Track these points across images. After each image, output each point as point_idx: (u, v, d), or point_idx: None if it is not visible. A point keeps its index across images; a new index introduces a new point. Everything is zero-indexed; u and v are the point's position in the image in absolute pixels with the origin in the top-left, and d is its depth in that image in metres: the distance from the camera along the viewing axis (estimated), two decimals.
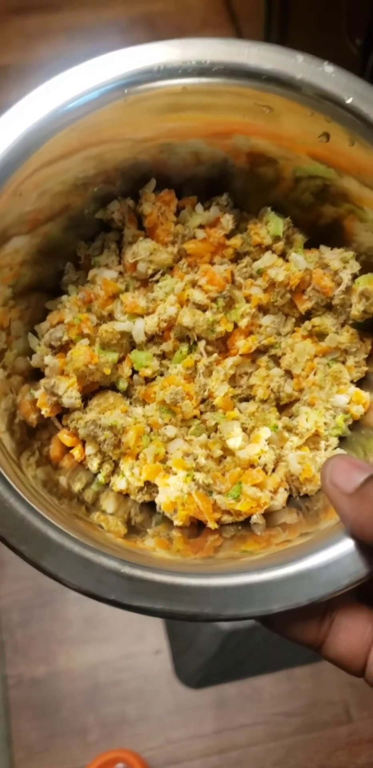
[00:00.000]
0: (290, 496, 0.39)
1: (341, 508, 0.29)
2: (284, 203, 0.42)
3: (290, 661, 0.96)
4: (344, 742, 0.95)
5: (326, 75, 0.35)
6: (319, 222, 0.42)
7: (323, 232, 0.42)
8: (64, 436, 0.39)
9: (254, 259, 0.41)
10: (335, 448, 0.39)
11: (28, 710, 0.97)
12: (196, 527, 0.37)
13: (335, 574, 0.29)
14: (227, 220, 0.40)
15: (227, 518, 0.37)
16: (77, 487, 0.38)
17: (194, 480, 0.36)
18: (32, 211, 0.37)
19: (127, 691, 0.98)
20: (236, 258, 0.42)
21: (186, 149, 0.40)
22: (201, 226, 0.41)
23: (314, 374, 0.40)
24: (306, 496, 0.38)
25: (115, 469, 0.39)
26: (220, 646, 0.93)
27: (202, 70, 0.36)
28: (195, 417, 0.39)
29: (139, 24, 1.60)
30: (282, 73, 0.35)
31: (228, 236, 0.41)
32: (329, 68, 0.36)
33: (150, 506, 0.39)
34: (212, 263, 0.41)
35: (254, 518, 0.37)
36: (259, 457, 0.37)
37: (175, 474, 0.37)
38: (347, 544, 0.29)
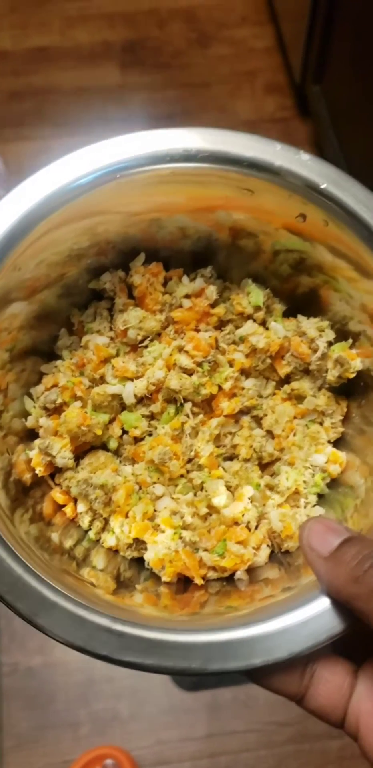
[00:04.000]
0: (272, 552, 0.40)
1: (317, 571, 0.30)
2: (263, 274, 0.45)
3: None
4: (335, 756, 0.94)
5: (302, 162, 0.39)
6: (297, 291, 0.44)
7: (300, 301, 0.44)
8: (57, 494, 0.41)
9: (237, 327, 0.44)
10: (314, 506, 0.41)
11: (21, 699, 0.96)
12: (183, 583, 0.39)
13: (314, 630, 0.30)
14: (211, 291, 0.43)
15: (212, 574, 0.38)
16: (69, 543, 0.39)
17: (181, 538, 0.38)
18: (30, 279, 0.39)
19: (121, 688, 0.97)
20: (220, 325, 0.44)
21: (173, 224, 0.42)
22: (187, 296, 0.43)
23: (294, 435, 0.42)
24: (287, 552, 0.40)
25: (106, 526, 0.40)
26: None
27: (188, 156, 0.39)
28: (182, 476, 0.41)
29: (178, 16, 1.59)
30: (262, 160, 0.39)
31: (212, 305, 0.43)
32: (305, 156, 0.39)
33: (139, 562, 0.40)
34: (197, 330, 0.43)
35: (238, 574, 0.38)
36: (242, 515, 0.39)
37: (163, 532, 0.39)
38: (325, 602, 0.30)
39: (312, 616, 0.30)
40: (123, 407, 0.42)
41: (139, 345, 0.43)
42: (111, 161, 0.38)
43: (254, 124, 1.50)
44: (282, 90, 1.53)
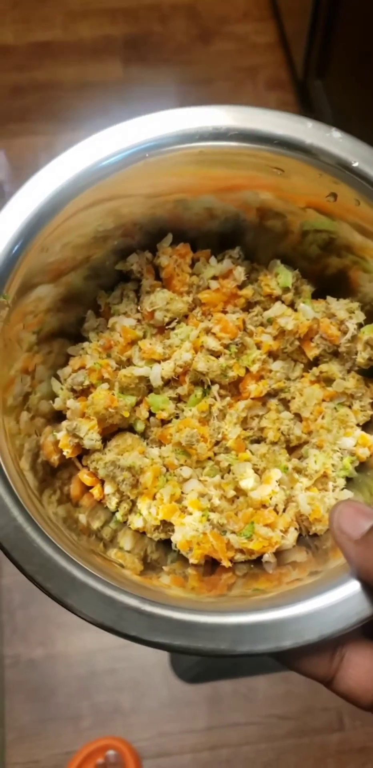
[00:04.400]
0: (299, 535, 0.40)
1: (348, 554, 0.30)
2: (292, 255, 0.44)
3: None
4: (335, 750, 0.95)
5: (333, 140, 0.38)
6: (325, 273, 0.44)
7: (329, 283, 0.44)
8: (85, 476, 0.41)
9: (265, 309, 0.43)
10: (343, 489, 0.41)
11: (23, 692, 0.97)
12: (210, 565, 0.39)
13: (343, 613, 0.30)
14: (239, 272, 0.43)
15: (239, 557, 0.38)
16: (96, 524, 0.39)
17: (208, 520, 0.38)
18: (55, 262, 0.39)
19: (122, 681, 0.98)
20: (248, 307, 0.44)
21: (199, 205, 0.42)
22: (214, 278, 0.43)
23: (322, 418, 0.42)
24: (315, 535, 0.40)
25: (133, 508, 0.41)
26: None
27: (218, 134, 0.38)
28: (209, 458, 0.41)
29: (180, 11, 1.60)
30: (293, 138, 0.38)
31: (240, 287, 0.43)
32: (336, 134, 0.38)
33: (166, 544, 0.40)
34: (224, 312, 0.43)
35: (266, 557, 0.38)
36: (270, 498, 0.39)
37: (190, 514, 0.39)
38: (355, 585, 0.30)
39: (342, 599, 0.30)
40: (150, 389, 0.42)
41: (166, 327, 0.43)
42: (140, 140, 0.37)
43: None
44: (284, 86, 1.54)
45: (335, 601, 0.30)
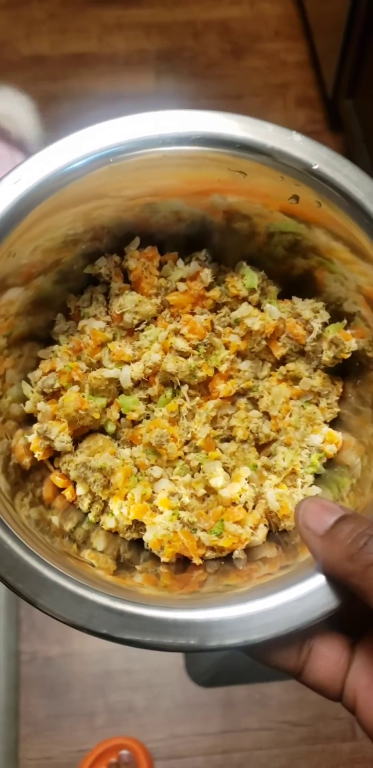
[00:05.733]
0: (269, 532, 0.41)
1: (313, 549, 0.31)
2: (258, 256, 0.45)
3: None
4: (347, 758, 0.95)
5: (294, 143, 0.39)
6: (291, 273, 0.45)
7: (295, 283, 0.45)
8: (57, 478, 0.41)
9: (232, 309, 0.44)
10: (311, 485, 0.42)
11: (39, 688, 0.98)
12: (182, 563, 0.39)
13: (310, 606, 0.31)
14: (206, 274, 0.43)
15: (210, 554, 0.39)
16: (69, 526, 0.39)
17: (179, 518, 0.39)
18: (26, 265, 0.39)
19: (137, 681, 0.98)
20: (215, 308, 0.44)
21: (167, 208, 0.43)
22: (182, 280, 0.44)
23: (290, 416, 0.43)
24: (285, 531, 0.40)
25: (105, 509, 0.41)
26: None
27: (180, 139, 0.39)
28: (179, 458, 0.41)
29: (214, 28, 1.63)
30: (254, 142, 0.39)
31: (207, 288, 0.44)
32: (297, 137, 0.39)
33: (138, 543, 0.41)
34: (193, 313, 0.43)
35: (236, 553, 0.39)
36: (240, 495, 0.40)
37: (161, 513, 0.39)
38: (321, 579, 0.31)
39: (308, 593, 0.31)
40: (120, 391, 0.43)
41: (136, 329, 0.43)
42: (103, 145, 0.38)
43: None
44: (313, 104, 1.57)
45: (302, 594, 0.31)
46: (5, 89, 1.21)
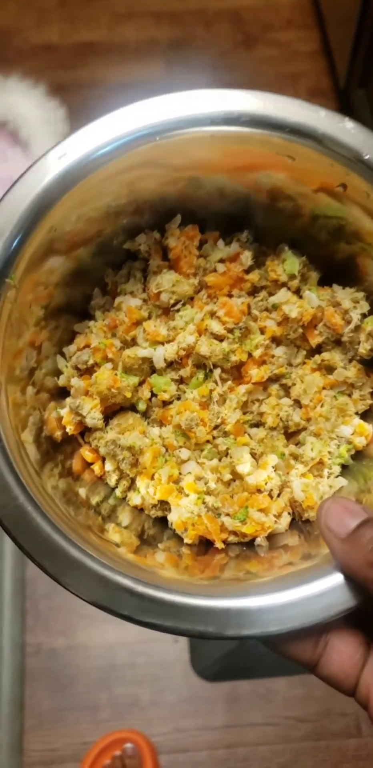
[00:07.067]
0: (292, 520, 0.41)
1: (334, 551, 0.31)
2: (301, 239, 0.44)
3: None
4: (352, 755, 0.95)
5: (346, 131, 0.37)
6: (334, 259, 0.44)
7: (337, 269, 0.44)
8: (86, 453, 0.42)
9: (270, 294, 0.43)
10: (337, 476, 0.42)
11: (43, 680, 1.00)
12: (204, 545, 0.40)
13: (328, 603, 0.31)
14: (246, 257, 0.43)
15: (233, 538, 0.40)
16: (96, 499, 0.40)
17: (204, 503, 0.39)
18: (69, 233, 0.39)
19: (142, 675, 1.00)
20: (253, 291, 0.44)
21: (211, 184, 0.42)
22: (222, 261, 0.43)
23: (321, 406, 0.42)
24: (308, 521, 0.41)
25: (132, 486, 0.42)
26: (238, 642, 0.94)
27: (229, 119, 0.38)
28: (208, 441, 0.42)
29: (225, 17, 1.60)
30: (305, 126, 0.37)
31: (247, 271, 0.43)
32: (349, 124, 0.37)
33: (162, 521, 0.41)
34: (230, 295, 0.43)
35: (258, 540, 0.40)
36: (265, 483, 0.40)
37: (187, 496, 0.40)
38: (340, 576, 0.31)
39: (328, 589, 0.31)
40: (153, 370, 0.43)
41: (172, 309, 0.43)
42: (151, 122, 0.37)
43: None
44: (325, 94, 1.52)
45: (321, 590, 0.31)
46: (13, 80, 1.20)
